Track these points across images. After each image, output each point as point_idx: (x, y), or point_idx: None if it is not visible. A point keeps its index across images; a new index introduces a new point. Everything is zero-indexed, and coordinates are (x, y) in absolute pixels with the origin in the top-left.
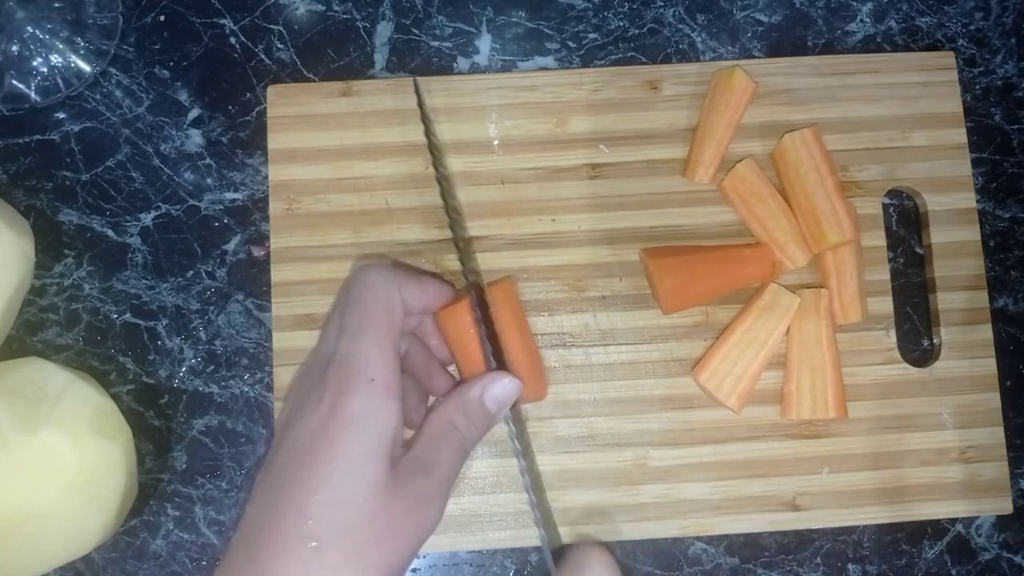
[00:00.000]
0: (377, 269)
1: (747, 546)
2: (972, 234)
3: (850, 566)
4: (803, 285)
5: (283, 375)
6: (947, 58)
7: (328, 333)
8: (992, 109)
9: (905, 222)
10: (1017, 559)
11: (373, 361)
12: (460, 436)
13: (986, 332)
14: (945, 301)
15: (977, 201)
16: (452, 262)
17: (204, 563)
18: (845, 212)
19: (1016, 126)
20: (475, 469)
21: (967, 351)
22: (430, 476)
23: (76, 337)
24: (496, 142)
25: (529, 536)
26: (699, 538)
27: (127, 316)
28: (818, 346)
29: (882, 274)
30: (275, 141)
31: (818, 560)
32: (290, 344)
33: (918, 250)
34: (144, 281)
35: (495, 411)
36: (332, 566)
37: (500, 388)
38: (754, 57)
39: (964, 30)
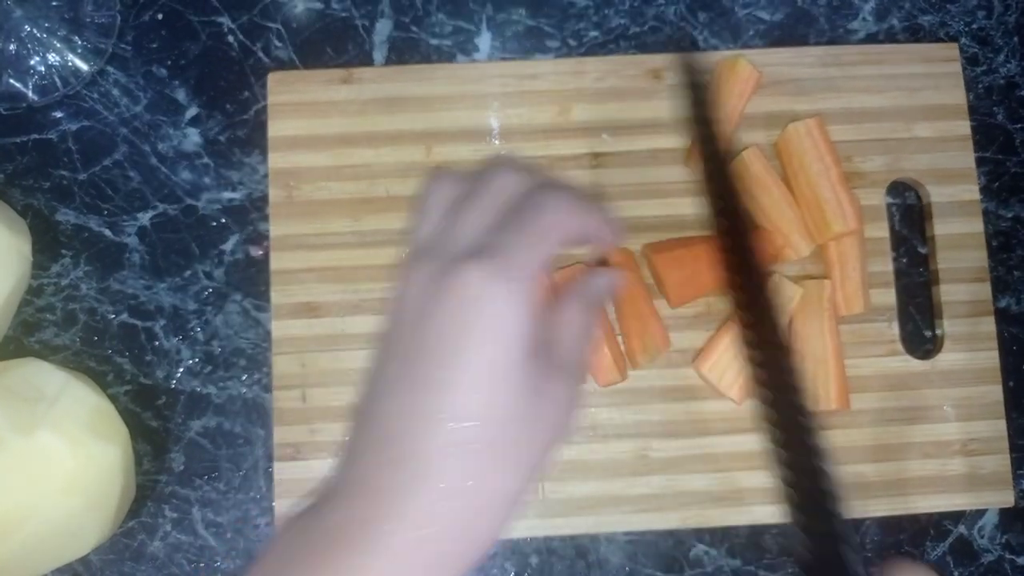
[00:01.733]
0: (555, 191)
1: (749, 548)
2: (975, 226)
3: None
4: (806, 276)
5: (282, 363)
6: (951, 50)
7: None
8: (995, 108)
9: (907, 221)
10: (1020, 560)
11: (527, 262)
12: (591, 330)
13: (989, 325)
14: (948, 293)
15: (980, 201)
16: None
17: (202, 565)
18: (849, 202)
19: (1019, 125)
20: None
21: (970, 343)
22: (572, 376)
23: (73, 337)
24: (498, 130)
25: (528, 527)
26: (701, 540)
27: (124, 316)
28: (820, 338)
29: (884, 265)
30: (275, 128)
31: None
32: (289, 332)
33: (920, 249)
34: (141, 281)
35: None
36: (491, 469)
37: (612, 279)
38: None
39: (967, 28)
